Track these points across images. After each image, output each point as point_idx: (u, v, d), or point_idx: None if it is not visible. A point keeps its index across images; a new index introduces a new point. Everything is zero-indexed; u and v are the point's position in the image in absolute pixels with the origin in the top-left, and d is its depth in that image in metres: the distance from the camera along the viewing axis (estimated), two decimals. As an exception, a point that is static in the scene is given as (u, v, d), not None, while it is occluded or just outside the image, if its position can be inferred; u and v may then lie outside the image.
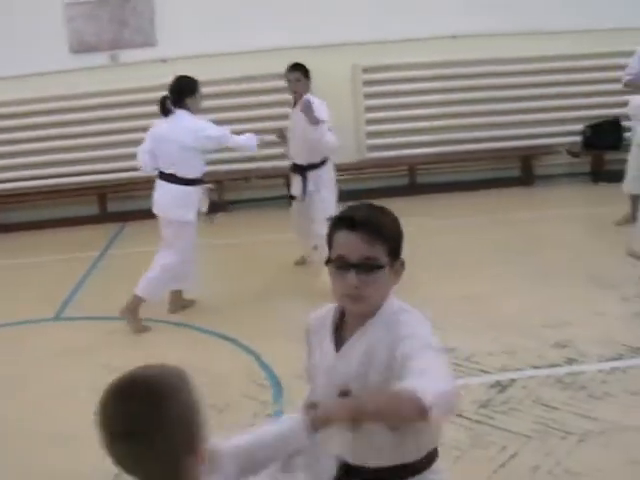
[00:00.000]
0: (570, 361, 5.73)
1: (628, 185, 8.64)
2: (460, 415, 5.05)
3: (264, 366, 5.85)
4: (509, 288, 7.09)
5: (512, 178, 10.57)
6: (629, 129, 10.05)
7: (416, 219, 9.16)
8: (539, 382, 5.44)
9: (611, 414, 5.01)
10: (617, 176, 9.88)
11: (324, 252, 2.56)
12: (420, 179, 10.56)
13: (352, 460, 2.59)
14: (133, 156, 6.52)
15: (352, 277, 2.40)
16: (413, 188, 10.43)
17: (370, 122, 10.36)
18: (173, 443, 1.87)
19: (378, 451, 2.53)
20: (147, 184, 8.46)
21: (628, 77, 8.32)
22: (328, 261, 2.50)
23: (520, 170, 10.63)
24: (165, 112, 6.64)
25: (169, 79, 6.70)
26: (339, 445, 2.56)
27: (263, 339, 6.28)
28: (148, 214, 7.02)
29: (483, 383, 5.47)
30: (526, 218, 9.12)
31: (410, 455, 2.55)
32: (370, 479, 2.59)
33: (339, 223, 2.48)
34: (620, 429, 4.83)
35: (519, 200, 9.95)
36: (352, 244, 2.42)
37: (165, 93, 6.68)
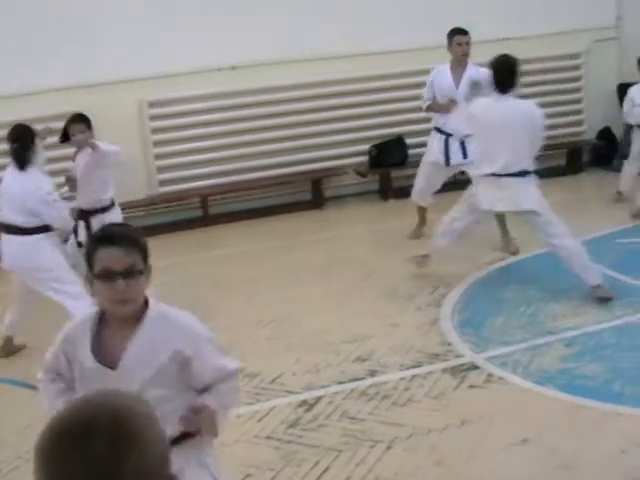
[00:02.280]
0: (372, 373, 5.94)
1: (414, 196, 9.03)
2: (270, 437, 5.14)
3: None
4: (308, 309, 7.24)
5: (304, 202, 10.78)
6: (412, 146, 10.53)
7: (211, 250, 9.24)
8: (344, 397, 5.62)
9: (415, 419, 5.24)
10: (404, 192, 10.31)
11: None
12: (213, 210, 10.61)
13: None
14: None
15: (120, 284, 2.84)
16: (206, 219, 10.47)
17: (159, 157, 10.34)
18: None
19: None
20: None
21: (426, 103, 8.68)
22: (93, 277, 2.91)
23: (311, 193, 10.88)
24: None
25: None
26: None
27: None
28: None
29: (290, 403, 5.59)
30: (320, 239, 9.32)
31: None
32: None
33: (99, 241, 2.92)
34: (425, 432, 5.07)
35: (312, 223, 10.16)
36: (115, 256, 2.85)
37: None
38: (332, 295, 7.53)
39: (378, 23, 10.58)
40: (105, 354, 2.97)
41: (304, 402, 5.59)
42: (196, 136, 10.38)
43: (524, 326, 6.57)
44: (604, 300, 6.87)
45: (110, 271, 2.84)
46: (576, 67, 11.30)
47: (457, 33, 8.38)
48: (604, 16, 11.58)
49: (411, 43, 10.46)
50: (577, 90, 11.61)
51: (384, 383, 5.77)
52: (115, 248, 2.85)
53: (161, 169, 10.40)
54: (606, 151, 11.31)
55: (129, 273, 2.85)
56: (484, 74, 8.26)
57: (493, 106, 7.08)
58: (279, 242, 9.28)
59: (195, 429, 3.03)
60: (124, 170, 7.75)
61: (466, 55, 8.39)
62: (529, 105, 7.18)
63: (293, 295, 7.57)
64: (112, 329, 2.99)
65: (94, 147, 6.92)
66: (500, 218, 8.37)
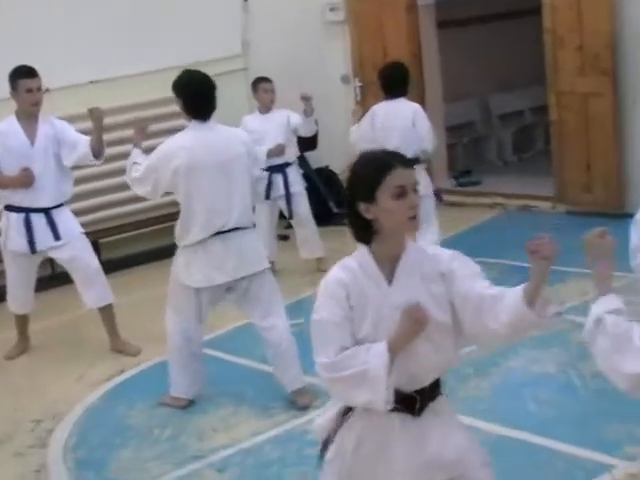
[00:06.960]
0: None
1: (11, 303, 7.74)
2: None
3: None
4: None
5: None
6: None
7: None
8: None
9: None
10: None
11: None
12: None
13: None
14: None
15: None
16: None
17: None
18: None
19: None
20: None
21: None
22: None
23: None
24: None
25: None
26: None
27: None
28: None
29: None
30: None
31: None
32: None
33: None
34: None
35: None
36: None
37: None
38: None
39: None
40: None
41: None
42: None
43: (162, 455, 5.75)
44: (304, 408, 6.10)
45: None
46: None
47: (25, 76, 7.14)
48: (227, 43, 10.68)
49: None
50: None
51: None
52: None
53: None
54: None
55: None
56: (62, 126, 7.36)
57: (201, 140, 5.81)
58: None
59: None
60: None
61: (37, 105, 7.24)
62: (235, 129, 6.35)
63: None
64: None
65: None
66: (108, 314, 7.51)
